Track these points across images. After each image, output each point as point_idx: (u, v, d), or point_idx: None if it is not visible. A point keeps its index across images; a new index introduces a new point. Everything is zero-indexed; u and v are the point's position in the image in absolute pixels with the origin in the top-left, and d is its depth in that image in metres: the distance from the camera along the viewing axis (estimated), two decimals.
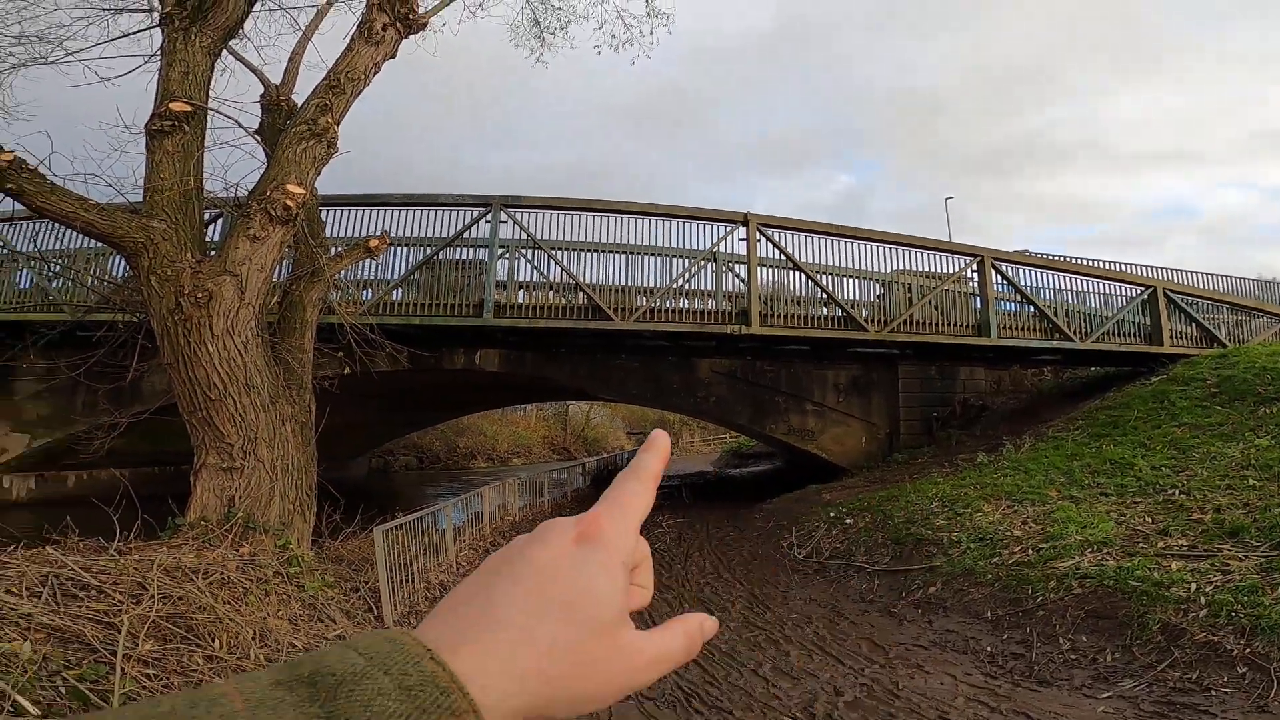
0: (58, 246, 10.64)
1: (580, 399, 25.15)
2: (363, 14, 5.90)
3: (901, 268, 11.92)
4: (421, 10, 6.19)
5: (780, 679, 4.45)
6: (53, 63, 8.47)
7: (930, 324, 11.69)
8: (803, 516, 9.24)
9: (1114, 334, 11.99)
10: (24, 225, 10.71)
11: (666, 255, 11.37)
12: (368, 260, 8.23)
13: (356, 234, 10.43)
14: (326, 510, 6.07)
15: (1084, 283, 12.39)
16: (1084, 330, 11.86)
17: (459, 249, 11.05)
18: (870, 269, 11.81)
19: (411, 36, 6.25)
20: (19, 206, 4.78)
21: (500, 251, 10.98)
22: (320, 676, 0.32)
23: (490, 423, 32.41)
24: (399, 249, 10.65)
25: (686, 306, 11.46)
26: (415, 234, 10.91)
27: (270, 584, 4.51)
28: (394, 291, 10.77)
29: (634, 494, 0.44)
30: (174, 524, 4.74)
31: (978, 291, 11.92)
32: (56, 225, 9.38)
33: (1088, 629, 4.66)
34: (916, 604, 5.85)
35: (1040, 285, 12.25)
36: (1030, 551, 5.95)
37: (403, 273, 10.81)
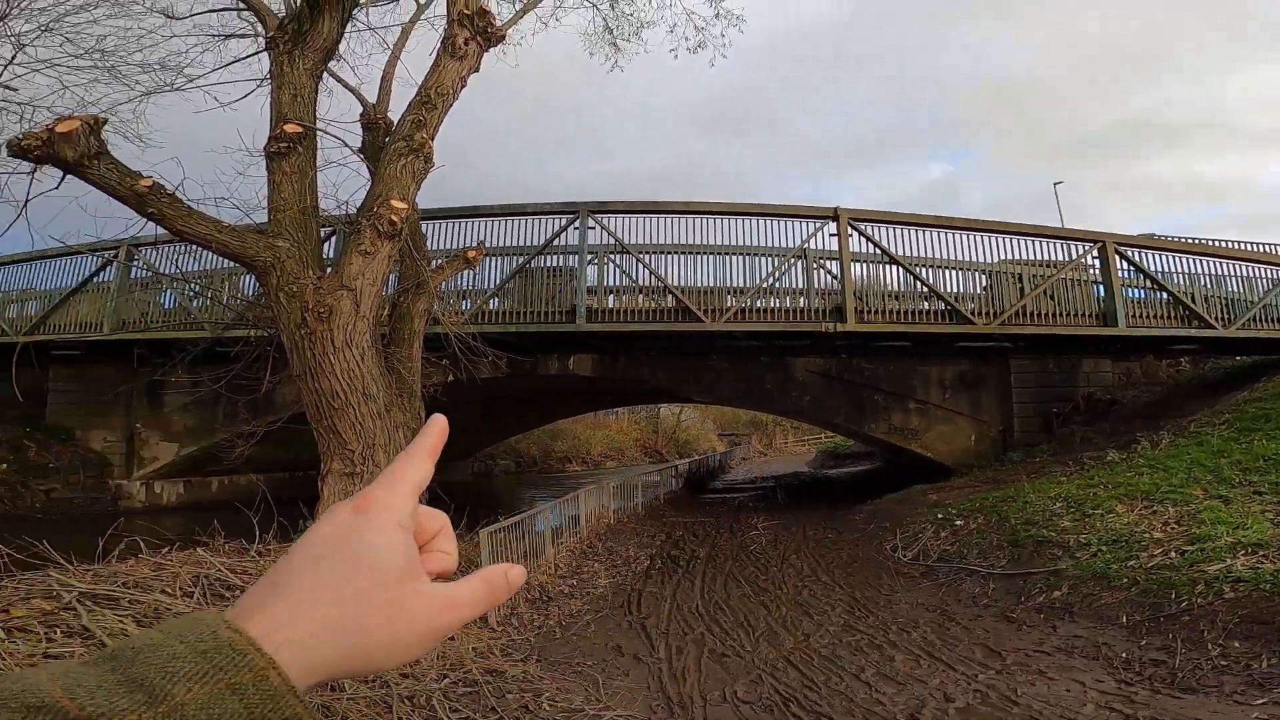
0: (195, 268, 11.69)
1: (671, 402, 25.19)
2: (445, 30, 6.13)
3: (1008, 257, 11.20)
4: (499, 23, 6.37)
5: (884, 684, 4.30)
6: (176, 89, 9.34)
7: (1045, 315, 10.92)
8: (907, 518, 8.86)
9: (1260, 319, 10.78)
10: (166, 249, 11.83)
11: (753, 254, 11.22)
12: (466, 271, 8.56)
13: (453, 246, 10.86)
14: None
15: (1221, 266, 11.22)
16: (1225, 317, 10.73)
17: (548, 256, 11.31)
18: (972, 260, 11.17)
19: (492, 50, 6.44)
20: (160, 231, 5.26)
21: (589, 257, 11.14)
22: (120, 651, 0.36)
23: (584, 427, 32.99)
24: (492, 259, 11.01)
25: (777, 305, 11.25)
26: (507, 244, 11.25)
27: None
28: (490, 300, 11.14)
29: (406, 465, 0.48)
30: (304, 527, 5.06)
31: (1099, 279, 11.06)
32: (193, 247, 10.34)
33: (1241, 634, 4.31)
34: (1038, 608, 5.52)
35: (1171, 270, 11.24)
36: (1173, 554, 5.52)
37: (497, 282, 11.17)
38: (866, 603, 6.16)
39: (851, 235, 10.92)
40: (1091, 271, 11.19)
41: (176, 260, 11.88)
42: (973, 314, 10.79)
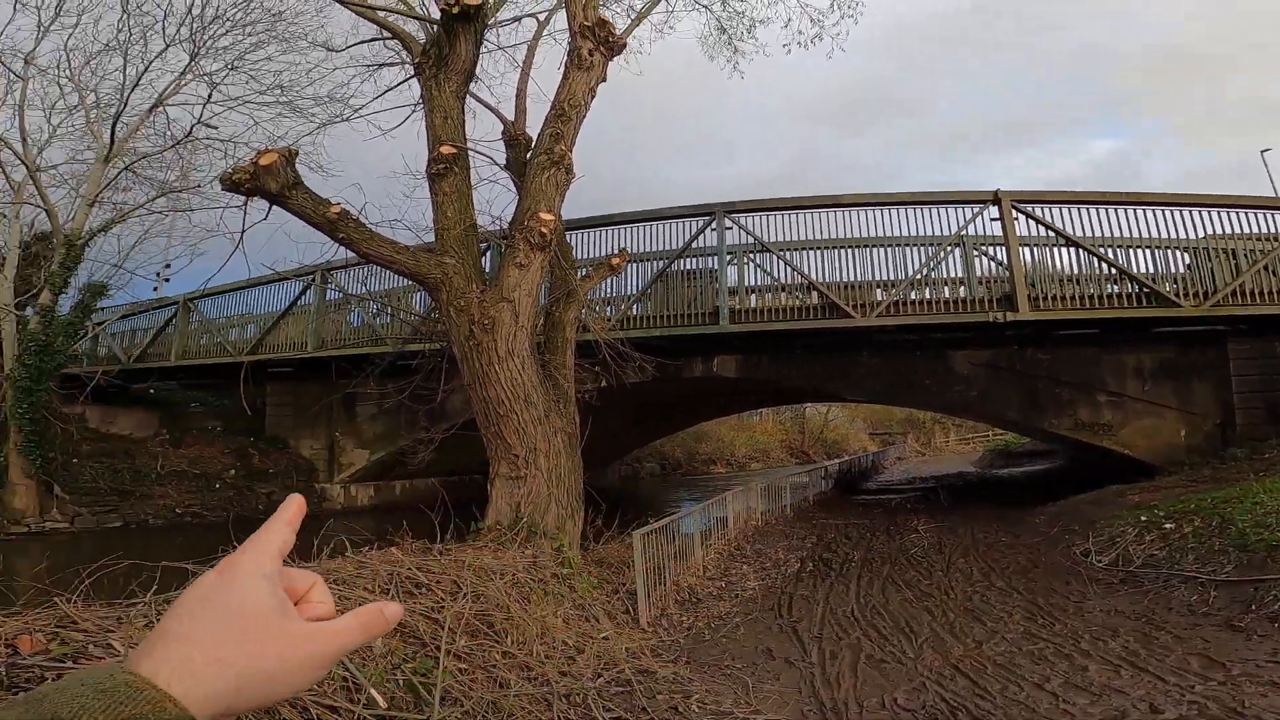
0: (377, 288, 13.07)
1: (818, 401, 24.41)
2: (569, 43, 6.38)
3: (1213, 233, 9.73)
4: (619, 32, 6.52)
5: (1074, 695, 3.90)
6: (345, 120, 10.52)
7: (1268, 293, 9.35)
8: (1100, 520, 7.97)
9: None
10: (352, 271, 13.31)
11: (900, 245, 10.68)
12: (609, 278, 8.86)
13: (592, 254, 11.27)
14: (589, 515, 6.55)
15: None
16: None
17: (686, 259, 11.40)
18: (1167, 237, 9.84)
19: (616, 59, 6.62)
20: (348, 255, 5.93)
21: (728, 258, 11.10)
22: (32, 695, 0.42)
23: (728, 428, 32.84)
24: (632, 265, 11.28)
25: (932, 296, 10.56)
26: (644, 249, 11.49)
27: (548, 585, 4.95)
28: (633, 306, 11.43)
29: (267, 532, 0.53)
30: (476, 528, 5.46)
31: None
32: (372, 268, 11.58)
33: None
34: (1272, 617, 4.80)
35: None
36: None
37: (636, 287, 11.44)
38: (1051, 609, 5.62)
39: (1017, 219, 10.02)
40: None
41: (362, 281, 13.35)
42: (1176, 295, 9.47)
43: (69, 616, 2.45)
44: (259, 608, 0.48)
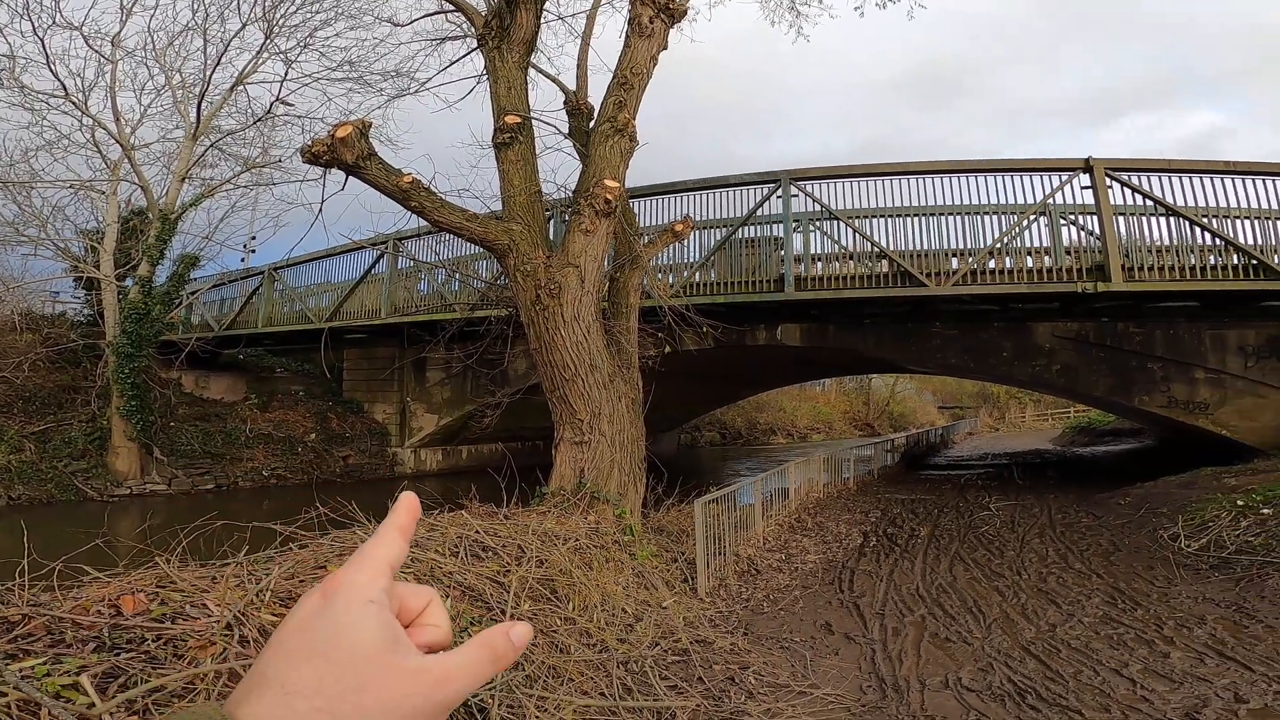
0: (446, 255, 13.37)
1: (886, 371, 23.71)
2: (630, 11, 6.24)
3: None
4: None
5: (1153, 681, 3.74)
6: (412, 94, 10.68)
7: None
8: (1192, 504, 7.50)
9: None
10: (422, 240, 13.65)
11: (978, 214, 10.20)
12: (673, 244, 8.77)
13: (656, 222, 11.18)
14: (650, 482, 6.58)
15: None
16: None
17: (750, 227, 11.17)
18: (1272, 208, 9.07)
19: (676, 26, 6.44)
20: (419, 224, 6.05)
21: (793, 225, 10.80)
22: None
23: (789, 398, 32.42)
24: (695, 232, 11.13)
25: (1013, 266, 10.04)
26: (710, 217, 11.30)
27: (609, 551, 5.00)
28: (696, 273, 11.31)
29: (377, 544, 0.47)
30: (540, 493, 5.56)
31: None
32: (442, 237, 11.82)
33: None
34: None
35: None
36: None
37: (699, 255, 11.31)
38: (1133, 594, 5.36)
39: (1111, 186, 9.38)
40: None
41: (433, 249, 13.69)
42: None
43: (168, 576, 2.58)
44: (366, 643, 0.42)
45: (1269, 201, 9.17)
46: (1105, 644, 4.36)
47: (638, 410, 5.86)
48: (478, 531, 4.13)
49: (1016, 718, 3.46)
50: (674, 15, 6.25)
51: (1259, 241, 9.20)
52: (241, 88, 13.72)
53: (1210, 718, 3.27)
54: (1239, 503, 6.96)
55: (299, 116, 14.26)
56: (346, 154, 4.91)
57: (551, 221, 10.05)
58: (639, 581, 4.97)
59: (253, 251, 20.17)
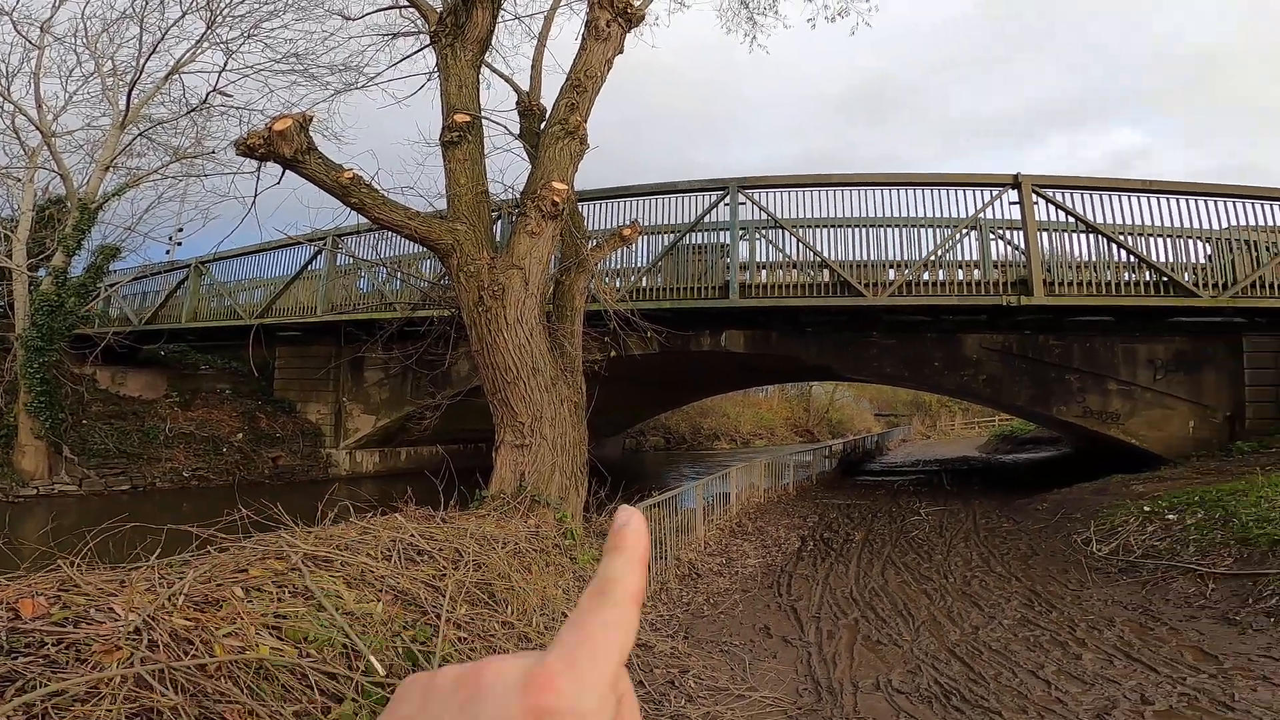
0: (388, 254, 13.04)
1: (826, 379, 24.36)
2: (587, 14, 6.27)
3: (1236, 224, 9.57)
4: (638, 2, 6.40)
5: (1067, 682, 3.92)
6: (360, 88, 10.44)
7: None
8: (1103, 510, 7.94)
9: None
10: (363, 237, 13.27)
11: (915, 226, 10.58)
12: (620, 249, 8.78)
13: (606, 226, 11.18)
14: (592, 486, 6.57)
15: None
16: None
17: (697, 234, 11.30)
18: (1187, 227, 9.71)
19: (633, 31, 6.50)
20: (360, 220, 5.89)
21: (739, 233, 10.99)
22: None
23: (733, 404, 32.90)
24: (642, 237, 11.19)
25: (945, 279, 10.46)
26: (657, 222, 11.38)
27: (550, 555, 4.96)
28: (642, 278, 11.36)
29: (607, 627, 0.30)
30: (480, 496, 5.48)
31: None
32: (383, 235, 11.53)
33: None
34: (1268, 612, 4.81)
35: None
36: None
37: (646, 260, 11.37)
38: (1049, 597, 5.64)
39: (1037, 203, 9.88)
40: None
41: (373, 247, 13.35)
42: (1194, 285, 9.34)
43: (71, 580, 2.44)
44: None
45: (1181, 220, 9.69)
46: (1023, 646, 4.55)
47: (580, 414, 5.84)
48: (413, 535, 4.02)
49: (943, 718, 3.58)
50: (631, 20, 6.28)
51: (1170, 259, 9.75)
52: (177, 77, 13.15)
53: (1119, 719, 3.44)
54: (1146, 509, 7.39)
55: (237, 108, 13.73)
56: (284, 148, 4.74)
57: (498, 222, 9.94)
58: (580, 585, 4.94)
59: (179, 244, 19.28)
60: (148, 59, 12.67)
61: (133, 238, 13.72)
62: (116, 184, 13.19)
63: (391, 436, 15.60)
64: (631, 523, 0.34)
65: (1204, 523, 6.54)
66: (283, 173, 5.10)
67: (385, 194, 5.44)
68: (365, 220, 5.86)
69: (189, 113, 13.41)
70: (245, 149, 4.76)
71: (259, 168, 5.05)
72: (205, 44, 12.87)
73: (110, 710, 1.90)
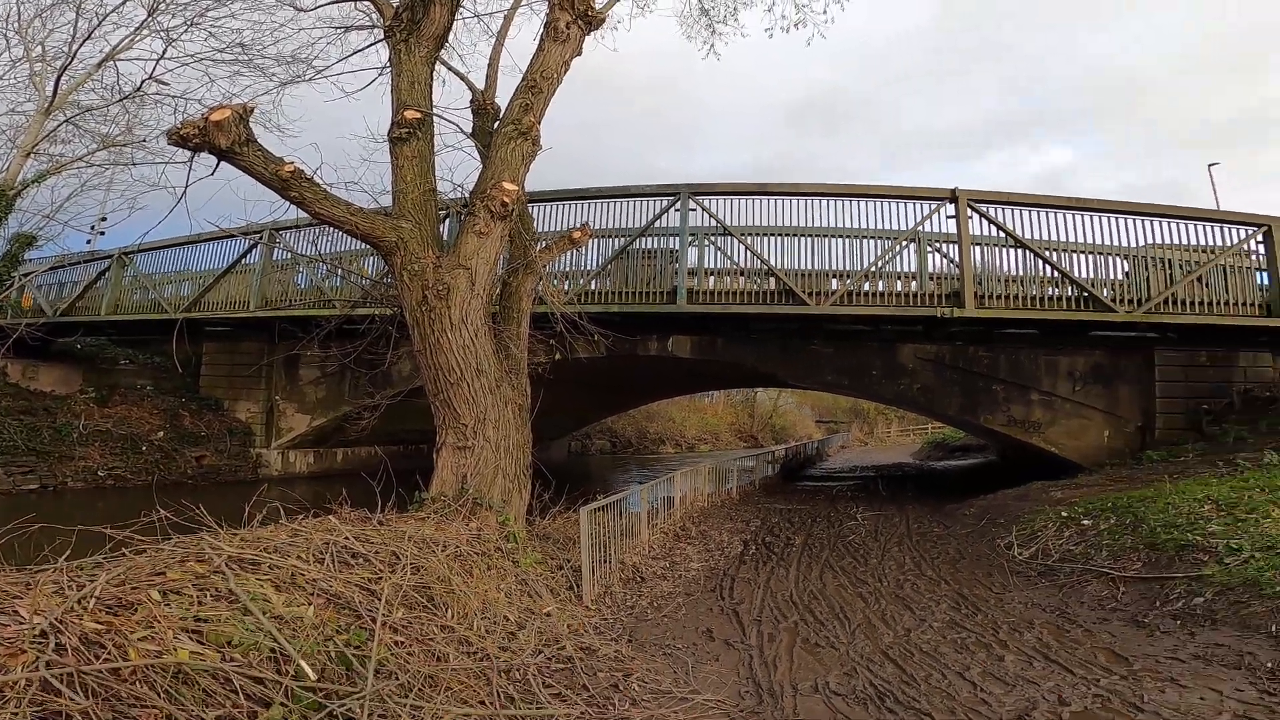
0: (328, 250, 12.63)
1: (771, 386, 24.80)
2: (547, 15, 6.25)
3: (1152, 242, 10.21)
4: (599, 5, 6.42)
5: (991, 684, 4.07)
6: (306, 80, 10.13)
7: (1198, 304, 9.88)
8: (1025, 515, 8.32)
9: None
10: (303, 232, 12.83)
11: (858, 237, 10.89)
12: (570, 251, 8.74)
13: (555, 228, 11.13)
14: (537, 489, 6.50)
15: None
16: None
17: (648, 238, 11.36)
18: (1108, 244, 10.29)
19: (593, 34, 6.51)
20: (299, 215, 5.69)
21: (689, 239, 11.10)
22: None
23: (679, 409, 33.15)
24: (593, 240, 11.17)
25: (885, 289, 10.81)
26: (608, 226, 11.39)
27: (492, 558, 4.87)
28: (592, 281, 11.34)
29: None
30: (420, 498, 5.35)
31: (1263, 265, 9.97)
32: (325, 231, 11.15)
33: None
34: (1175, 615, 5.09)
35: None
36: None
37: (597, 264, 11.36)
38: (975, 600, 5.86)
39: (971, 217, 10.30)
40: (1254, 258, 10.06)
41: (313, 242, 12.89)
42: (1112, 301, 9.92)
43: None
44: None
45: (1102, 237, 10.23)
46: (951, 648, 4.69)
47: (525, 416, 5.78)
48: (347, 537, 3.90)
49: None
50: (591, 22, 6.27)
51: (1092, 275, 10.27)
52: (111, 63, 12.46)
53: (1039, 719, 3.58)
54: (1063, 514, 7.77)
55: (173, 96, 13.10)
56: (220, 138, 4.55)
57: (446, 222, 9.75)
58: (523, 589, 4.88)
59: (102, 234, 18.23)
60: (81, 45, 12.03)
61: (51, 225, 12.91)
62: (38, 170, 12.40)
63: (327, 437, 15.09)
64: None
65: (1116, 528, 6.90)
66: (217, 164, 4.90)
67: (328, 189, 5.28)
68: (306, 215, 5.67)
69: (121, 100, 12.74)
70: (178, 139, 4.55)
71: (192, 158, 4.83)
72: (145, 31, 12.26)
73: (15, 714, 1.83)
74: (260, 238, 13.15)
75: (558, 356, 8.21)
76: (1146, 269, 10.13)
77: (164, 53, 12.45)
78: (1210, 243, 10.16)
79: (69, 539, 2.95)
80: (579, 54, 6.35)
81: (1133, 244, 10.22)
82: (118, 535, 3.16)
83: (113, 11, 12.04)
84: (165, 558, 3.04)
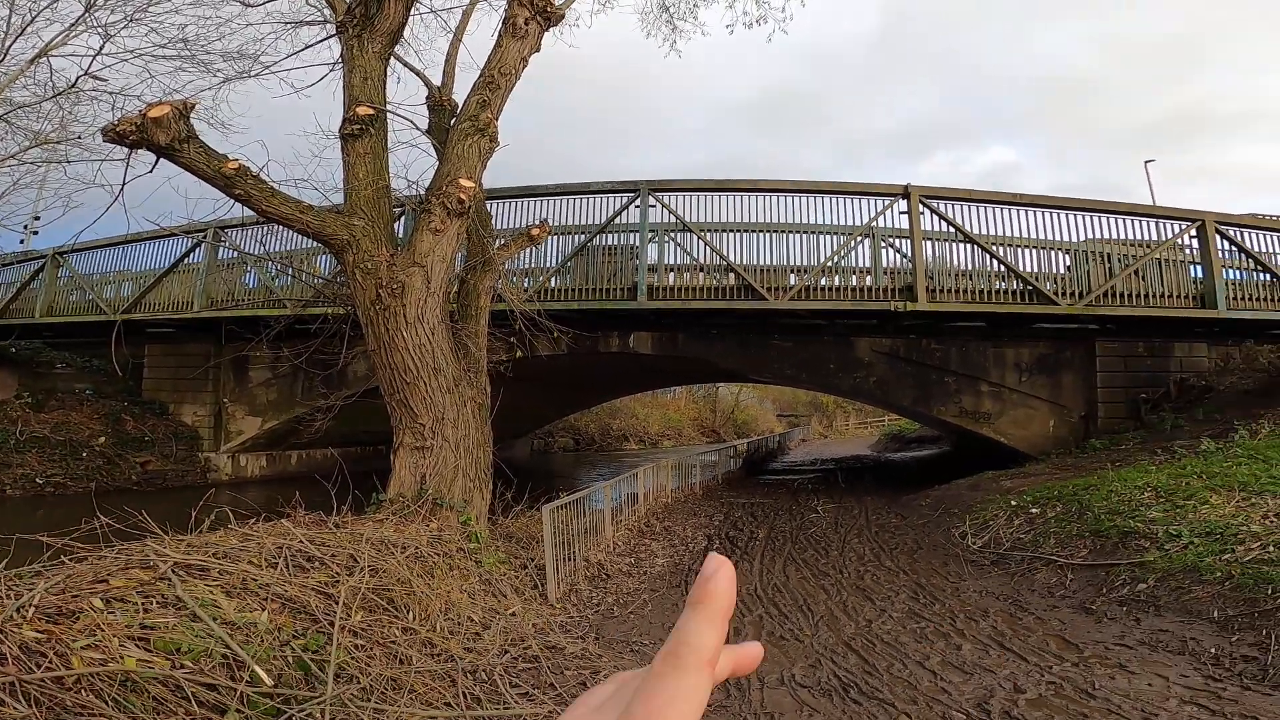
0: (277, 248, 12.25)
1: (732, 381, 25.04)
2: (506, 11, 6.18)
3: (1092, 236, 10.62)
4: (558, 2, 6.37)
5: (950, 673, 4.18)
6: (254, 76, 9.78)
7: (1136, 296, 10.32)
8: (977, 505, 8.56)
9: None
10: (250, 230, 12.40)
11: (816, 233, 11.03)
12: (529, 248, 8.66)
13: (516, 225, 11.00)
14: (499, 488, 6.43)
15: None
16: None
17: (609, 235, 11.33)
18: (1052, 239, 10.67)
19: (551, 30, 6.46)
20: (246, 212, 5.50)
21: (649, 235, 11.11)
22: None
23: (642, 405, 33.17)
24: (553, 237, 11.10)
25: (841, 284, 11.00)
26: (569, 222, 11.32)
27: (454, 559, 4.82)
28: (552, 278, 11.26)
29: (675, 700, 0.28)
30: (377, 500, 5.24)
31: (1197, 259, 10.44)
32: (274, 229, 10.82)
33: None
34: (1120, 601, 5.28)
35: (1275, 251, 10.60)
36: (1272, 548, 5.19)
37: (557, 260, 11.28)
38: (932, 590, 6.00)
39: (923, 213, 10.55)
40: (1188, 252, 10.54)
41: (260, 241, 12.48)
42: (1055, 294, 10.29)
43: None
44: None
45: (1046, 233, 10.59)
46: (911, 638, 4.80)
47: (485, 415, 5.71)
48: (302, 541, 3.80)
49: (842, 711, 3.74)
50: (551, 19, 6.21)
51: (1036, 269, 10.63)
52: (44, 59, 11.82)
53: (996, 707, 3.65)
54: (1013, 503, 8.01)
55: (110, 92, 12.47)
56: (160, 135, 4.37)
57: (402, 219, 9.55)
58: (486, 589, 4.83)
59: (35, 233, 17.37)
60: (14, 41, 11.37)
61: None
62: None
63: (280, 439, 14.65)
64: (720, 574, 0.31)
65: (1062, 516, 7.14)
66: (156, 161, 4.71)
67: (276, 186, 5.11)
68: (253, 213, 5.48)
69: (54, 97, 12.10)
70: (115, 136, 4.35)
71: (129, 155, 4.63)
72: (81, 26, 11.65)
73: None
74: (204, 236, 12.68)
75: (518, 354, 8.13)
76: (1087, 263, 10.53)
77: (101, 48, 11.87)
78: (1147, 237, 10.61)
79: (7, 548, 2.83)
80: (538, 50, 6.29)
81: (1074, 239, 10.62)
82: (56, 543, 3.04)
83: (47, 7, 11.44)
84: (108, 565, 2.95)
